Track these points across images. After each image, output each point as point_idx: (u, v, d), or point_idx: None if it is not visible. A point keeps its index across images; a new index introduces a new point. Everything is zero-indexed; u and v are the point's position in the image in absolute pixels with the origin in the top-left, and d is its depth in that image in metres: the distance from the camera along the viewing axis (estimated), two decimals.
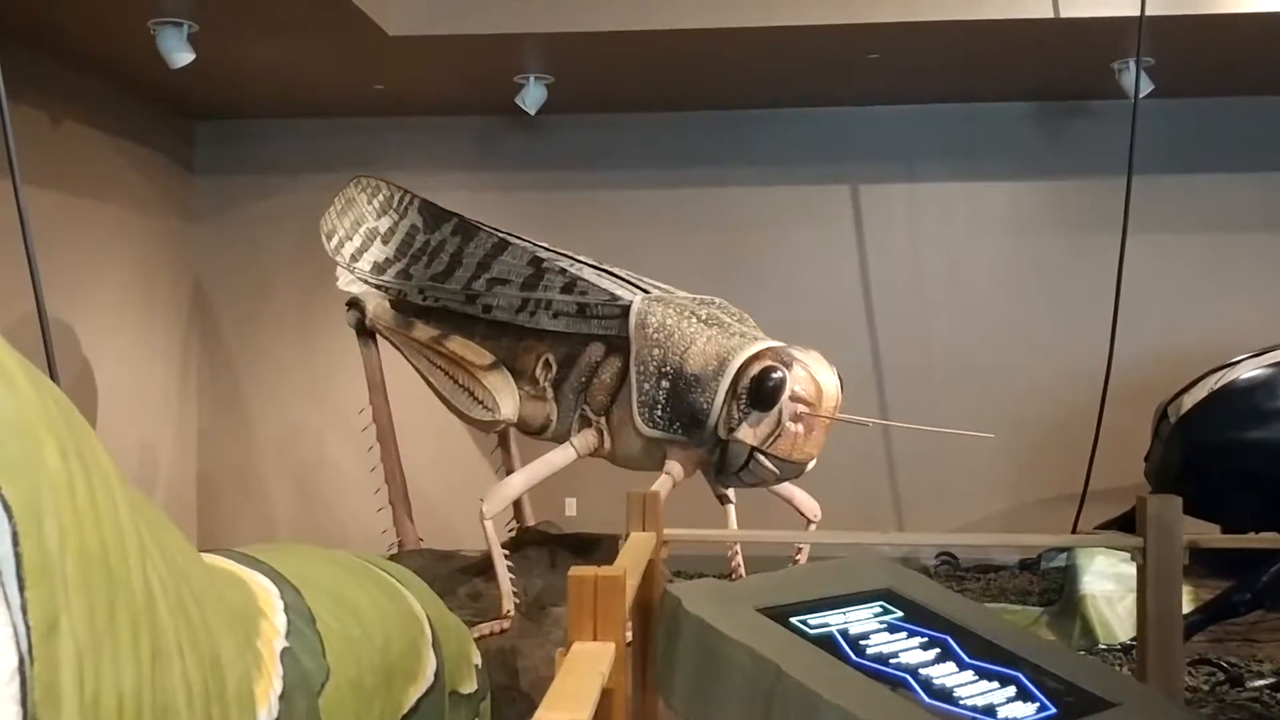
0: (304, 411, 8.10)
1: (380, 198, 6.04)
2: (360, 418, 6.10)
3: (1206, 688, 4.99)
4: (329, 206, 6.14)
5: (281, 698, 1.72)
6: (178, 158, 8.04)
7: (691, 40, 6.21)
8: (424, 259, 5.67)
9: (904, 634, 2.56)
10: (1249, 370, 5.99)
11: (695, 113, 7.82)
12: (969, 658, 2.50)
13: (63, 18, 5.83)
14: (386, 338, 5.93)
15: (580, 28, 6.12)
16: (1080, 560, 6.07)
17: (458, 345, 5.49)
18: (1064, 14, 6.02)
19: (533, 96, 7.04)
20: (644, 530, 3.08)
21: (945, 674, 2.45)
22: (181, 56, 5.94)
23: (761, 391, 4.48)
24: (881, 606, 2.67)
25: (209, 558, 1.98)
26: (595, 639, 1.78)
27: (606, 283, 5.12)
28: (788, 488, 5.07)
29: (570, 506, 7.37)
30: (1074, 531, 6.38)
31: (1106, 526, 6.17)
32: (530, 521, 6.06)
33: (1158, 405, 6.23)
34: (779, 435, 4.48)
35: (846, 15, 6.01)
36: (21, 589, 0.98)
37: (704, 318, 4.85)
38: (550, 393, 5.20)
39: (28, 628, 0.97)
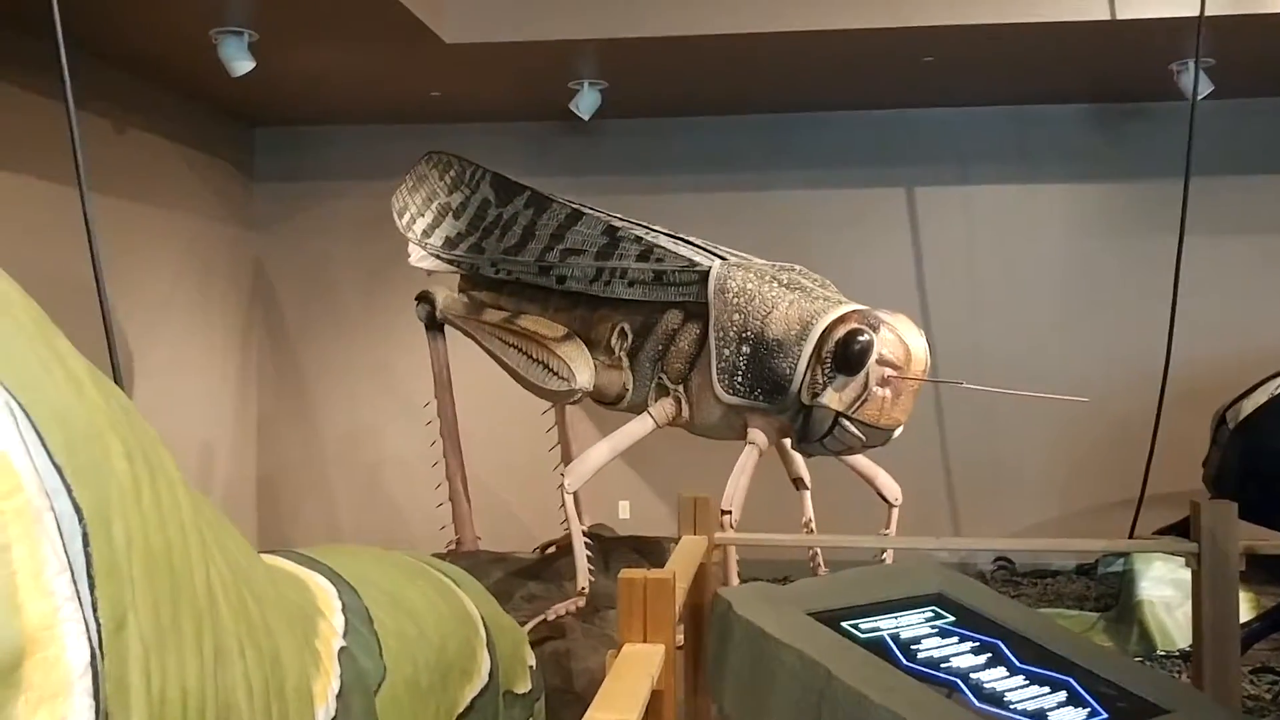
0: (365, 411, 8.21)
1: (452, 173, 6.07)
2: (425, 412, 6.13)
3: (1269, 696, 4.92)
4: (400, 184, 6.21)
5: (339, 696, 1.77)
6: (238, 164, 8.17)
7: (744, 45, 6.23)
8: (496, 232, 5.67)
9: (955, 639, 2.56)
10: None
11: (748, 116, 7.83)
12: (1020, 663, 2.50)
13: (127, 27, 5.95)
14: (457, 326, 5.90)
15: (634, 34, 6.15)
16: (1138, 566, 6.01)
17: (530, 322, 5.47)
18: (1121, 15, 5.96)
19: (587, 102, 7.09)
20: (695, 534, 3.10)
21: (996, 679, 2.45)
22: (242, 65, 6.05)
23: (848, 355, 4.36)
24: (933, 611, 2.67)
25: (268, 558, 2.03)
26: (645, 641, 1.81)
27: (683, 250, 5.07)
28: (869, 467, 5.00)
29: (623, 509, 7.40)
30: (1131, 537, 6.32)
31: (1165, 532, 6.08)
32: (584, 524, 6.09)
33: (1216, 410, 6.15)
34: (865, 400, 4.37)
35: (899, 19, 5.99)
36: (92, 587, 1.02)
37: (785, 282, 4.76)
38: (626, 361, 5.14)
39: (98, 624, 1.01)
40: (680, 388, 4.96)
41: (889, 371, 4.35)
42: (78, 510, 1.03)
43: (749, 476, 4.62)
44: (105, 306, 3.21)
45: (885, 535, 4.93)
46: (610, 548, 5.55)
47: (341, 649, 1.91)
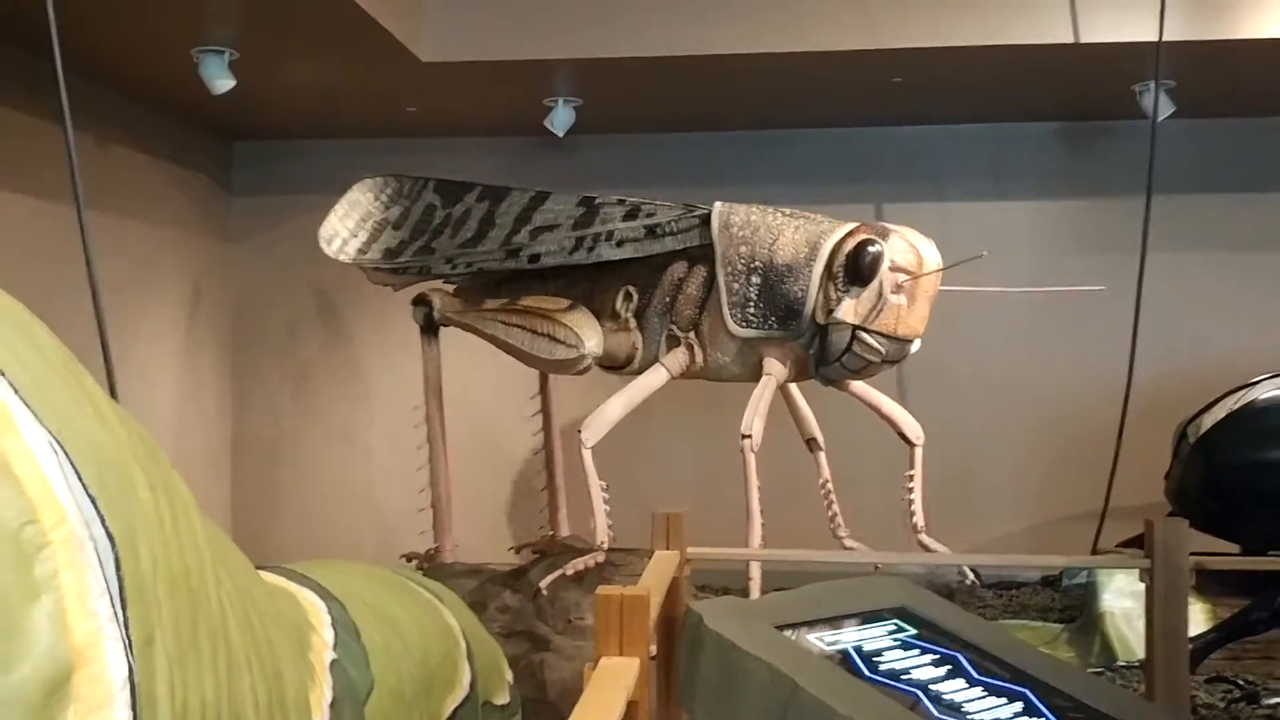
0: (344, 422, 8.27)
1: (389, 191, 6.03)
2: (406, 422, 6.18)
3: (1222, 704, 5.07)
4: (330, 213, 6.14)
5: (332, 706, 1.87)
6: (217, 178, 8.24)
7: (716, 65, 6.35)
8: (447, 231, 5.62)
9: (916, 651, 2.68)
10: (1269, 390, 6.06)
11: (721, 133, 7.94)
12: (979, 675, 2.62)
13: (110, 45, 6.02)
14: (457, 323, 5.89)
15: (608, 54, 6.26)
16: (1100, 578, 6.15)
17: (532, 300, 5.47)
18: (1084, 39, 6.11)
19: (561, 119, 7.19)
20: (668, 549, 3.21)
21: (956, 690, 2.57)
22: (223, 83, 6.12)
23: (859, 265, 4.37)
24: (895, 624, 2.79)
25: (264, 575, 2.13)
26: (621, 654, 1.92)
27: (671, 204, 5.11)
28: (890, 406, 5.04)
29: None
30: (1094, 549, 6.46)
31: (1128, 544, 6.24)
32: (565, 531, 6.17)
33: (1178, 424, 6.31)
34: (881, 309, 4.38)
35: (871, 41, 6.12)
36: (124, 607, 1.12)
37: (787, 213, 4.81)
38: (633, 322, 5.13)
39: (129, 641, 1.11)
40: (691, 334, 4.95)
41: (902, 277, 4.37)
42: (110, 537, 1.13)
43: (767, 403, 4.65)
44: (102, 326, 3.29)
45: (910, 477, 4.99)
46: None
47: (333, 661, 2.01)
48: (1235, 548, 5.95)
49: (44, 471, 1.08)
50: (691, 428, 7.50)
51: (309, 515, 8.26)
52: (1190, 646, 5.21)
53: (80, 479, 1.12)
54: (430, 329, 6.01)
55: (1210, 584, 5.67)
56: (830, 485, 5.20)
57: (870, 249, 4.38)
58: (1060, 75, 6.69)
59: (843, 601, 2.86)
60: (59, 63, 3.66)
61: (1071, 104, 7.37)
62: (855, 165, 7.92)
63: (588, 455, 4.79)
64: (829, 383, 4.88)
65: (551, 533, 6.20)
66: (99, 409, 1.26)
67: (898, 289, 4.37)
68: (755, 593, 4.68)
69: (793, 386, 5.32)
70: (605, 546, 4.76)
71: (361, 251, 5.87)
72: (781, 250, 4.64)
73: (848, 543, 5.13)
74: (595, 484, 4.79)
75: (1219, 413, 6.10)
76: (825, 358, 4.54)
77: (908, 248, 4.43)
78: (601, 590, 1.97)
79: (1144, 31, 5.95)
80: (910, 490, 4.97)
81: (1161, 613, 3.06)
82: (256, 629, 1.55)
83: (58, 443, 1.12)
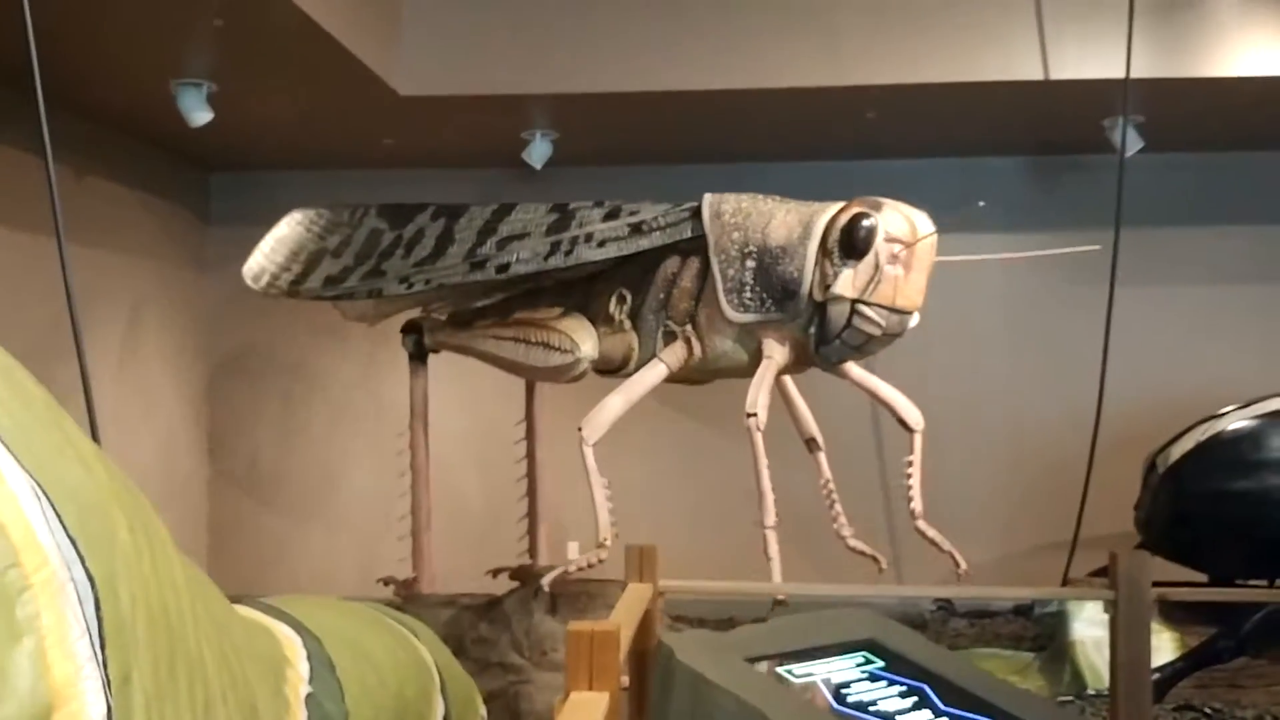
0: (322, 451, 8.28)
1: (324, 222, 5.90)
2: (383, 451, 6.21)
3: None
4: (254, 251, 6.07)
5: None
6: (194, 209, 8.27)
7: (691, 100, 6.43)
8: (399, 251, 5.51)
9: (884, 683, 2.72)
10: (1236, 422, 6.13)
11: (696, 166, 7.99)
12: (944, 705, 2.66)
13: (89, 77, 6.06)
14: (449, 345, 5.86)
15: (585, 89, 6.33)
16: (1071, 607, 6.20)
17: (524, 313, 5.45)
18: (1054, 76, 6.23)
19: (538, 152, 7.26)
20: (641, 581, 3.24)
21: None
22: (201, 116, 6.17)
23: (854, 238, 4.36)
24: (864, 656, 2.84)
25: (239, 609, 2.16)
26: (591, 689, 1.95)
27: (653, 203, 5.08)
28: (889, 393, 5.01)
29: (573, 550, 7.51)
30: (1065, 579, 6.52)
31: (1098, 574, 6.29)
32: (543, 560, 6.18)
33: (1147, 455, 6.38)
34: (879, 281, 4.35)
35: (842, 78, 6.22)
36: (103, 646, 1.15)
37: (778, 199, 4.80)
38: (628, 324, 5.09)
39: (108, 680, 1.15)
40: (688, 326, 4.90)
41: (897, 248, 4.35)
42: (90, 578, 1.17)
43: (769, 383, 4.63)
44: (82, 360, 3.31)
45: (909, 463, 4.96)
46: (560, 590, 5.66)
47: (308, 695, 2.04)
48: (1205, 577, 6.02)
49: (26, 516, 1.12)
50: (668, 461, 7.55)
51: (288, 542, 8.25)
52: (1158, 675, 5.30)
53: (61, 522, 1.16)
54: (420, 356, 5.98)
55: (1178, 613, 5.73)
56: (832, 485, 5.18)
57: (864, 222, 4.37)
58: (1030, 110, 6.80)
59: (812, 634, 2.90)
60: (39, 95, 3.68)
61: (1042, 138, 7.48)
62: (829, 198, 7.95)
63: (589, 452, 4.73)
64: (829, 367, 4.83)
65: (530, 562, 6.22)
66: (80, 452, 1.29)
67: (894, 259, 4.35)
68: (776, 574, 4.66)
69: (791, 388, 5.30)
70: (608, 543, 4.69)
71: (297, 282, 5.74)
72: (775, 232, 4.63)
73: (851, 542, 5.11)
74: (597, 481, 4.74)
75: (1187, 444, 6.16)
76: (825, 336, 4.51)
77: (901, 218, 4.43)
78: (572, 626, 2.01)
79: (1112, 69, 6.07)
80: (910, 476, 4.94)
81: (1125, 643, 3.11)
82: (232, 664, 1.58)
83: (40, 487, 1.15)
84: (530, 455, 6.29)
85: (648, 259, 5.06)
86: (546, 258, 5.05)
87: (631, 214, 5.00)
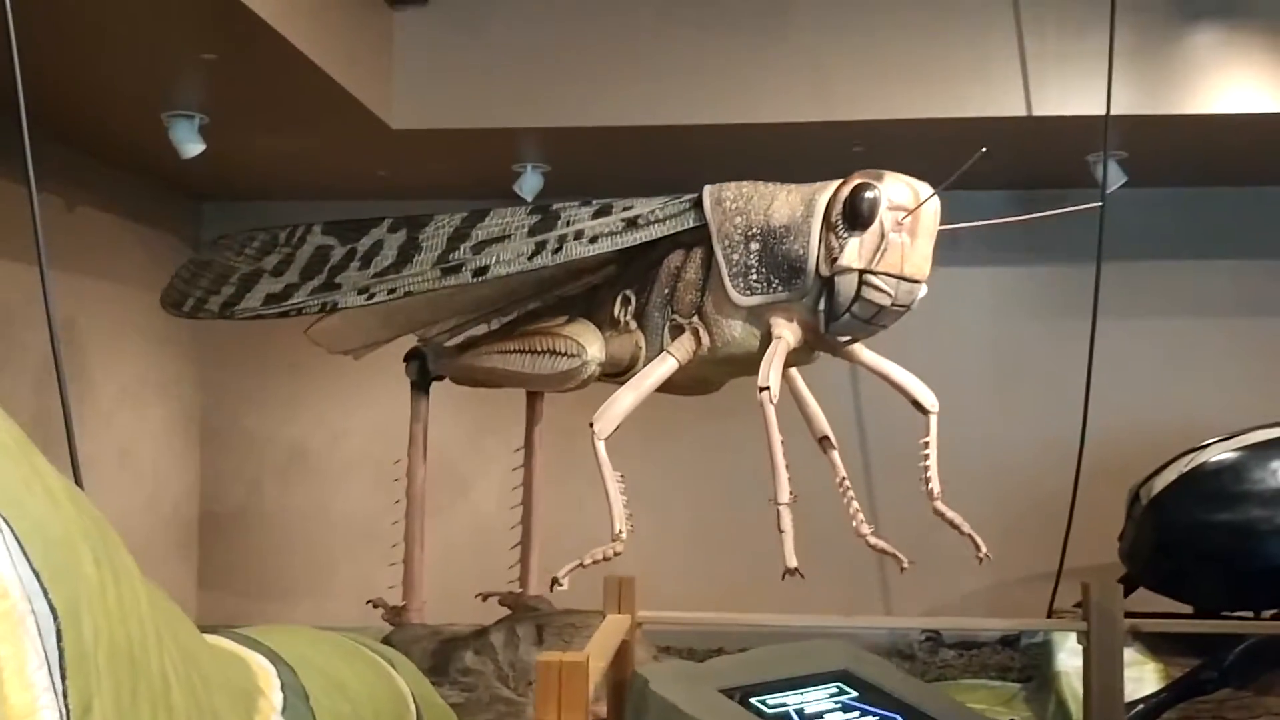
0: (315, 478, 8.30)
1: (256, 244, 5.81)
2: (382, 479, 6.18)
3: None
4: (171, 280, 6.01)
5: None
6: (185, 237, 8.31)
7: (680, 135, 6.50)
8: (355, 264, 5.41)
9: (857, 713, 2.75)
10: (1218, 453, 6.18)
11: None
12: None
13: (81, 108, 6.12)
14: (454, 369, 5.85)
15: (574, 123, 6.41)
16: (1056, 638, 6.23)
17: (529, 325, 5.46)
18: (1036, 112, 6.31)
19: (530, 184, 7.32)
20: (619, 613, 3.27)
21: None
22: (192, 147, 6.22)
23: (858, 208, 4.34)
24: (838, 687, 2.86)
25: (213, 639, 2.19)
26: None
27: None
28: (901, 375, 4.98)
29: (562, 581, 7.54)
30: (1050, 610, 6.54)
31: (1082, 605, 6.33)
32: (533, 590, 6.19)
33: (1131, 486, 6.42)
34: (885, 249, 4.32)
35: (829, 113, 6.30)
36: (64, 677, 1.19)
37: (778, 184, 4.79)
38: (634, 324, 5.06)
39: (68, 710, 1.18)
40: (695, 318, 4.85)
41: (902, 215, 4.33)
42: (53, 610, 1.20)
43: (781, 359, 4.55)
44: (64, 391, 3.35)
45: (925, 444, 4.97)
46: (547, 621, 5.68)
47: None
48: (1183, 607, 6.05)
49: None
50: (650, 491, 7.56)
51: (279, 571, 8.26)
52: (1141, 707, 5.33)
53: (25, 555, 1.19)
54: (423, 384, 5.99)
55: (1163, 645, 5.76)
56: (848, 483, 5.12)
57: (867, 193, 4.36)
58: (1015, 146, 6.87)
59: (787, 665, 2.93)
60: (24, 124, 3.73)
61: (1026, 173, 7.55)
62: None
63: (600, 446, 4.67)
64: (840, 348, 4.81)
65: (520, 590, 6.23)
66: (47, 485, 1.33)
67: (898, 227, 4.34)
68: (789, 547, 4.59)
69: (801, 385, 5.29)
70: (623, 536, 4.64)
71: (230, 304, 5.65)
72: (777, 212, 4.62)
73: (872, 540, 5.04)
74: (610, 474, 4.69)
75: (1170, 475, 6.21)
76: (834, 311, 4.46)
77: (903, 186, 4.42)
78: (541, 656, 2.04)
79: (1094, 105, 6.14)
80: (926, 458, 4.94)
81: (1098, 674, 3.14)
82: (200, 694, 1.61)
83: (5, 521, 1.19)
84: (527, 484, 6.32)
85: (650, 258, 5.05)
86: (531, 257, 4.97)
87: (625, 209, 4.95)
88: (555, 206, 5.06)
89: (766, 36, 6.37)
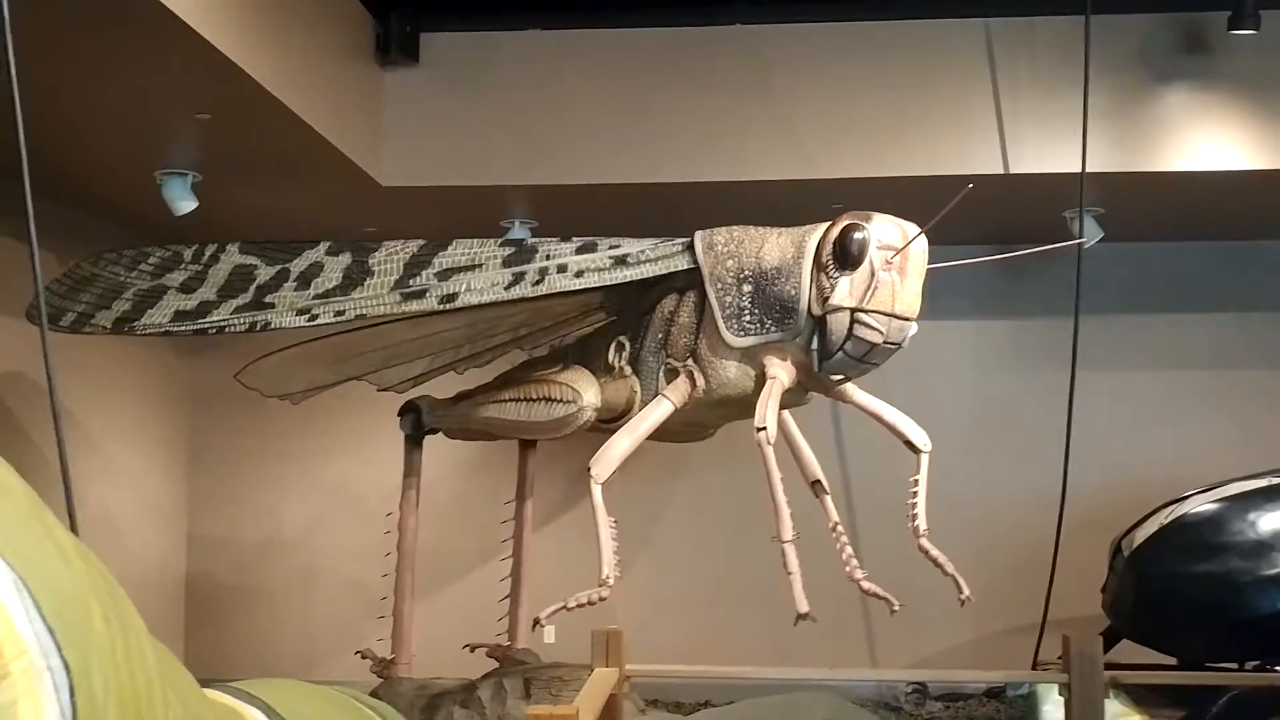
0: (303, 530, 8.32)
1: (153, 261, 5.63)
2: (371, 531, 6.22)
3: None
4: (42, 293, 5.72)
5: None
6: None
7: (665, 192, 6.61)
8: (290, 284, 5.27)
9: None
10: (1198, 505, 6.25)
11: None
12: None
13: (74, 167, 6.20)
14: (449, 421, 5.85)
15: (561, 180, 6.51)
16: (1041, 689, 6.26)
17: (521, 373, 5.50)
18: (1013, 170, 6.44)
19: (517, 239, 7.41)
20: (607, 666, 3.32)
21: None
22: (185, 205, 6.30)
23: (848, 248, 4.42)
24: None
25: (210, 693, 2.23)
26: None
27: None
28: (893, 414, 5.05)
29: (549, 634, 7.54)
30: (1035, 662, 6.58)
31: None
32: (521, 642, 6.21)
33: (1113, 538, 6.48)
34: (876, 288, 4.40)
35: (809, 171, 6.41)
36: None
37: (769, 228, 4.85)
38: (628, 370, 5.11)
39: None
40: (689, 360, 4.90)
41: (891, 254, 4.41)
42: (66, 666, 1.26)
43: (776, 400, 4.61)
44: (63, 450, 3.39)
45: (915, 482, 5.04)
46: (534, 674, 5.70)
47: None
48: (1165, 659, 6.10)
49: (7, 607, 1.22)
50: (636, 545, 7.60)
51: (267, 623, 8.25)
52: None
53: (40, 613, 1.25)
54: (417, 438, 6.03)
55: (1147, 696, 5.79)
56: (840, 528, 5.16)
57: (856, 233, 4.45)
58: (993, 202, 6.96)
59: (773, 718, 2.97)
60: (26, 183, 3.79)
61: (1004, 229, 7.65)
62: None
63: (597, 491, 4.71)
64: (832, 388, 4.86)
65: (509, 642, 6.25)
66: (59, 544, 1.39)
67: (888, 265, 4.42)
68: (798, 587, 4.61)
69: (794, 429, 5.36)
70: (610, 582, 4.67)
71: (127, 320, 5.45)
72: (769, 255, 4.69)
73: (865, 584, 5.05)
74: (603, 519, 4.71)
75: (1151, 527, 6.27)
76: (828, 349, 4.53)
77: (892, 226, 4.51)
78: (530, 710, 2.09)
79: (1069, 163, 6.27)
80: (914, 495, 5.01)
81: None
82: None
83: (21, 580, 1.25)
84: (517, 536, 6.35)
85: (643, 304, 5.11)
86: (508, 287, 4.94)
87: (612, 247, 5.00)
88: (530, 241, 5.10)
89: (748, 97, 6.51)
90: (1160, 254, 7.90)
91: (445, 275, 5.00)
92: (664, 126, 6.51)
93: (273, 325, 5.17)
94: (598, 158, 6.51)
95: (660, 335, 5.03)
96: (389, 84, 6.61)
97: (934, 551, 5.04)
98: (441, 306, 4.97)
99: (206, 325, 5.25)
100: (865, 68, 6.52)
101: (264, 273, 5.30)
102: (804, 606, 4.54)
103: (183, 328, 5.33)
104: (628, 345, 5.14)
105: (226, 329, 5.24)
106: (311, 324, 5.14)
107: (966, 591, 5.06)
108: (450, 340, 5.81)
